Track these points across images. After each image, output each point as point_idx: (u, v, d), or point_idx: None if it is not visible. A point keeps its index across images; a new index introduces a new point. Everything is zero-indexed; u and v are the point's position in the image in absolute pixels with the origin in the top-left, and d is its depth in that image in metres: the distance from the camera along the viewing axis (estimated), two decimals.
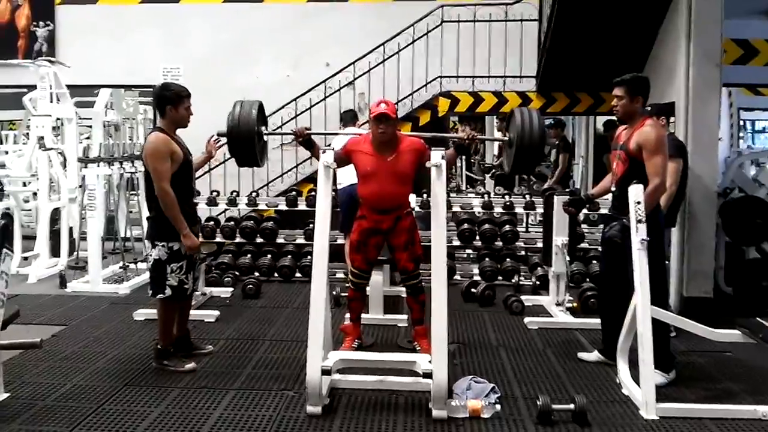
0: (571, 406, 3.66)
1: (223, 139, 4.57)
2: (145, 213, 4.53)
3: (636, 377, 3.91)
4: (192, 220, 4.45)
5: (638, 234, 3.88)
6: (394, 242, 4.65)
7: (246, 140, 4.29)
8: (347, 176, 5.88)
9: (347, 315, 4.92)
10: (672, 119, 5.51)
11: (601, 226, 4.92)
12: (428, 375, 3.70)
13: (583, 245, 6.78)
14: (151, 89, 4.61)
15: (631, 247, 4.02)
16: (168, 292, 4.32)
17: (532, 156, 4.29)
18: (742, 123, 10.98)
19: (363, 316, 5.03)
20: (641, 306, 3.84)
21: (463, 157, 10.52)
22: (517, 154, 4.24)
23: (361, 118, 8.46)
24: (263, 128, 4.48)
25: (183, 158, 4.32)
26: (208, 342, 4.94)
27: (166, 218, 4.23)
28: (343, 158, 4.58)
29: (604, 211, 6.16)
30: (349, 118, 6.77)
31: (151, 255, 4.36)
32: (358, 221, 4.71)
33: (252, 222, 7.28)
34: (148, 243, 4.43)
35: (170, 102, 4.31)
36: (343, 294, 5.74)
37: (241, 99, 4.69)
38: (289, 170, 8.43)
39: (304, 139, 4.50)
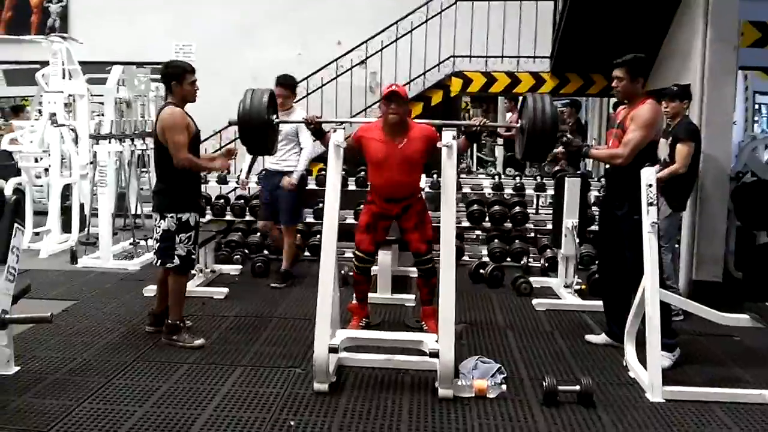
0: (577, 387, 3.67)
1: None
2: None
3: (643, 359, 3.91)
4: (198, 192, 4.62)
5: (649, 217, 3.87)
6: (405, 225, 4.68)
7: (257, 129, 4.25)
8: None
9: (354, 294, 4.93)
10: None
11: None
12: (435, 354, 3.72)
13: (593, 227, 6.75)
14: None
15: (629, 230, 4.05)
16: (176, 261, 4.42)
17: (545, 143, 4.16)
18: (757, 107, 10.87)
19: (371, 295, 5.05)
20: (650, 289, 3.83)
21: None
22: (528, 141, 4.13)
23: (372, 98, 8.46)
24: (274, 116, 4.41)
25: (194, 132, 4.45)
26: (216, 318, 5.00)
27: (175, 190, 4.39)
28: (353, 146, 4.59)
29: None
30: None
31: (159, 226, 4.44)
32: (368, 205, 4.76)
33: None
34: (157, 215, 4.49)
35: (174, 78, 4.40)
36: (351, 273, 5.76)
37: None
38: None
39: (315, 127, 4.50)
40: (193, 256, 4.53)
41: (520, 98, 4.40)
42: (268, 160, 5.98)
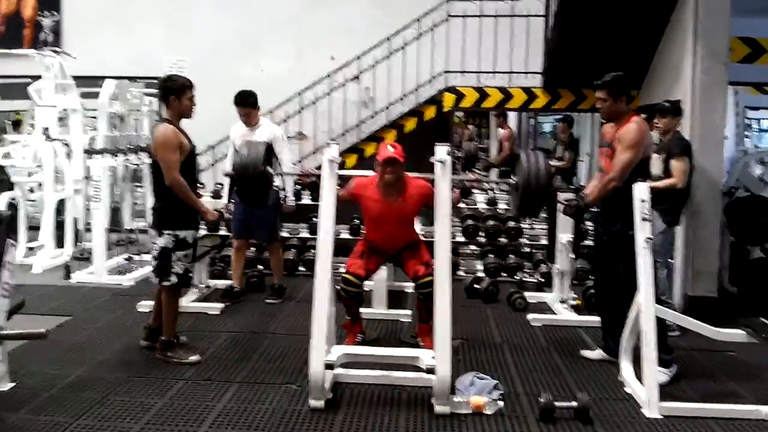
0: (574, 403, 3.66)
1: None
2: (150, 205, 4.57)
3: (639, 375, 3.91)
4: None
5: (643, 232, 3.88)
6: (401, 260, 4.76)
7: (253, 182, 4.29)
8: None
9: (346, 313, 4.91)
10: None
11: None
12: (431, 370, 3.71)
13: (588, 242, 6.77)
14: (157, 81, 4.67)
15: (623, 246, 4.07)
16: (173, 279, 4.38)
17: (539, 200, 4.19)
18: (747, 122, 10.94)
19: (367, 310, 5.05)
20: (645, 304, 3.84)
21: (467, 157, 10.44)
22: (523, 198, 4.16)
23: (365, 113, 8.49)
24: (270, 169, 4.41)
25: (189, 149, 4.40)
26: (211, 334, 4.98)
27: (173, 207, 4.33)
28: (349, 199, 4.67)
29: None
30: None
31: (156, 243, 4.40)
32: (364, 241, 4.83)
33: None
34: (154, 232, 4.47)
35: (174, 92, 4.37)
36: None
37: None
38: (294, 164, 8.41)
39: (311, 184, 4.55)
40: (191, 274, 4.50)
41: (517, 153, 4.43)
42: None
